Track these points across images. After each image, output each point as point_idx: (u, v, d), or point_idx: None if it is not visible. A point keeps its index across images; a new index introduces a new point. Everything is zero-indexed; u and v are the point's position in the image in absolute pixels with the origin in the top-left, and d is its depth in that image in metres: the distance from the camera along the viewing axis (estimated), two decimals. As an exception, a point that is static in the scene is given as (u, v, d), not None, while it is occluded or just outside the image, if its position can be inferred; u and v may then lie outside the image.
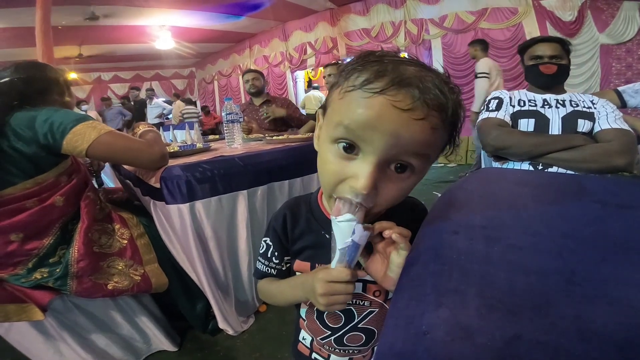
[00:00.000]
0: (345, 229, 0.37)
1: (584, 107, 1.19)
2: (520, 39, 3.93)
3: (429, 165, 0.39)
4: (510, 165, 1.23)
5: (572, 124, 1.16)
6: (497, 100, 1.30)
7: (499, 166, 1.28)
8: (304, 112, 6.46)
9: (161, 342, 1.21)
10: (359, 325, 0.51)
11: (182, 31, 6.05)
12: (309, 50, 6.27)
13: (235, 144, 1.55)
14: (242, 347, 1.23)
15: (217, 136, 2.29)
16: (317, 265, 0.49)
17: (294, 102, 5.36)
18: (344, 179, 0.37)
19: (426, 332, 0.22)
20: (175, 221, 1.11)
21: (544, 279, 0.26)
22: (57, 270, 0.95)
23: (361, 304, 0.50)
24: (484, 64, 3.18)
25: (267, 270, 0.54)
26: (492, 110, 1.28)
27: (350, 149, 0.36)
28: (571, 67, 1.30)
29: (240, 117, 1.65)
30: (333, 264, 0.39)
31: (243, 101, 6.25)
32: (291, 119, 2.53)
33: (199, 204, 1.12)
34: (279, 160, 1.34)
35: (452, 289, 0.26)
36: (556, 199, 0.49)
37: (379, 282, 0.42)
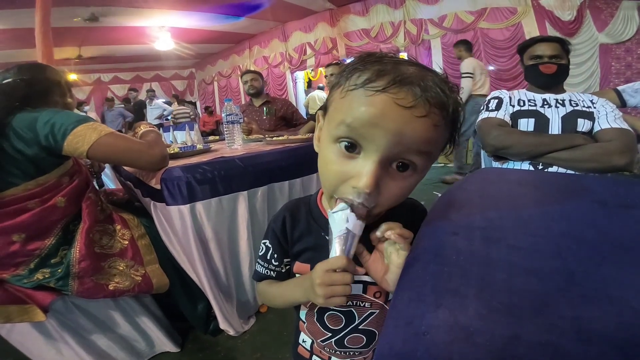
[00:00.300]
0: (339, 219, 0.38)
1: (584, 106, 1.19)
2: (519, 39, 3.93)
3: (431, 164, 0.39)
4: (510, 165, 1.23)
5: (572, 124, 1.16)
6: (496, 100, 1.30)
7: (499, 166, 1.28)
8: (303, 112, 6.48)
9: (163, 344, 1.22)
10: (360, 327, 0.51)
11: (181, 32, 6.06)
12: (309, 51, 6.27)
13: (235, 144, 1.55)
14: (243, 347, 1.23)
15: (217, 137, 2.29)
16: None
17: (294, 102, 5.37)
18: (346, 179, 0.37)
19: (426, 333, 0.22)
20: (176, 222, 1.11)
21: (543, 280, 0.26)
22: (59, 270, 0.95)
23: (362, 305, 0.50)
24: (467, 64, 3.23)
25: (267, 272, 0.53)
26: (492, 110, 1.28)
27: (352, 148, 0.36)
28: (570, 66, 1.30)
29: (240, 118, 1.65)
30: (330, 255, 0.39)
31: (243, 102, 6.26)
32: (291, 120, 2.54)
33: (199, 205, 1.12)
34: (279, 161, 1.34)
35: (451, 290, 0.26)
36: (556, 199, 0.49)
37: (379, 282, 0.42)
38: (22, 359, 1.02)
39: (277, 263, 0.53)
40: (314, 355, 0.57)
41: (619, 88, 1.50)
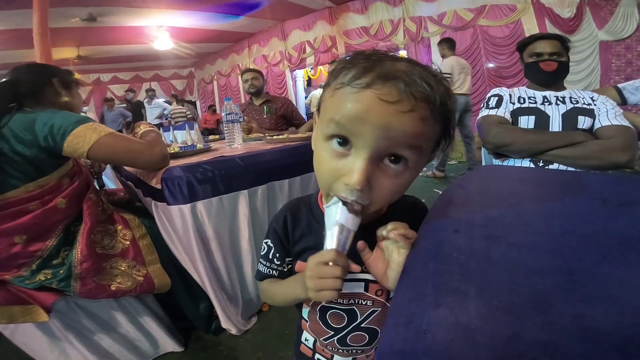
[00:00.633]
0: (333, 213, 0.38)
1: (584, 104, 1.19)
2: (519, 36, 3.92)
3: (424, 159, 0.39)
4: (510, 162, 1.23)
5: (573, 121, 1.16)
6: (496, 98, 1.30)
7: (500, 163, 1.28)
8: (303, 110, 6.48)
9: (166, 343, 1.22)
10: (362, 325, 0.51)
11: (180, 31, 6.05)
12: (308, 49, 6.26)
13: (235, 144, 1.55)
14: (245, 346, 1.23)
15: (217, 136, 2.29)
16: None
17: (294, 101, 5.36)
18: (339, 177, 0.38)
19: (426, 331, 0.22)
20: (177, 222, 1.11)
21: (544, 278, 0.26)
22: (61, 271, 0.96)
23: (363, 303, 0.50)
24: (446, 64, 3.29)
25: (269, 271, 0.54)
26: (492, 108, 1.28)
27: (344, 144, 0.37)
28: (570, 64, 1.29)
29: (240, 117, 1.65)
30: (324, 249, 0.39)
31: (243, 101, 6.25)
32: (290, 119, 2.53)
33: (200, 205, 1.13)
34: (280, 160, 1.34)
35: (452, 288, 0.26)
36: (557, 197, 0.49)
37: (379, 280, 0.42)
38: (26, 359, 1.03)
39: (279, 262, 0.53)
40: (316, 354, 0.57)
41: (619, 86, 1.50)
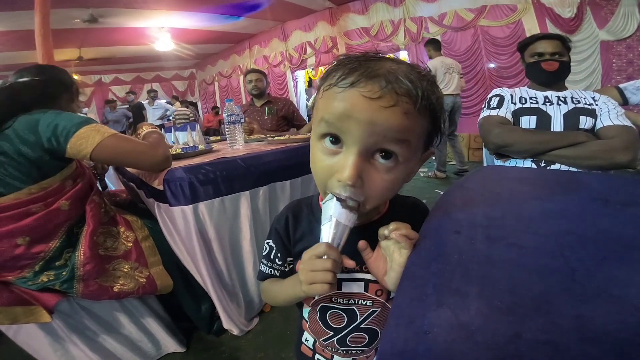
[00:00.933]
0: (327, 208, 0.39)
1: (586, 104, 1.19)
2: (519, 36, 3.91)
3: (415, 155, 0.40)
4: (512, 162, 1.23)
5: (574, 121, 1.16)
6: (498, 98, 1.30)
7: (501, 164, 1.27)
8: (304, 111, 6.49)
9: (169, 344, 1.22)
10: (362, 326, 0.51)
11: (181, 32, 6.06)
12: (309, 50, 6.26)
13: (237, 145, 1.56)
14: (246, 347, 1.23)
15: (219, 137, 2.30)
16: None
17: (295, 102, 5.37)
18: (332, 174, 0.39)
19: (427, 332, 0.22)
20: (179, 223, 1.11)
21: (545, 278, 0.26)
22: (64, 273, 0.96)
23: (363, 303, 0.50)
24: (430, 66, 3.32)
25: (271, 272, 0.54)
26: (494, 108, 1.27)
27: (336, 142, 0.39)
28: (572, 64, 1.29)
29: (242, 118, 1.65)
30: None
31: (244, 102, 6.26)
32: (291, 119, 2.54)
33: (202, 206, 1.13)
34: (281, 161, 1.34)
35: (453, 289, 0.26)
36: (558, 197, 0.49)
37: (380, 280, 0.42)
38: (29, 360, 1.03)
39: (280, 262, 0.53)
40: (316, 354, 0.57)
41: (621, 86, 1.50)
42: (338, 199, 0.39)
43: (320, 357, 0.57)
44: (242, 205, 1.23)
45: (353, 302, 0.50)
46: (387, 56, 0.40)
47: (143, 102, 6.50)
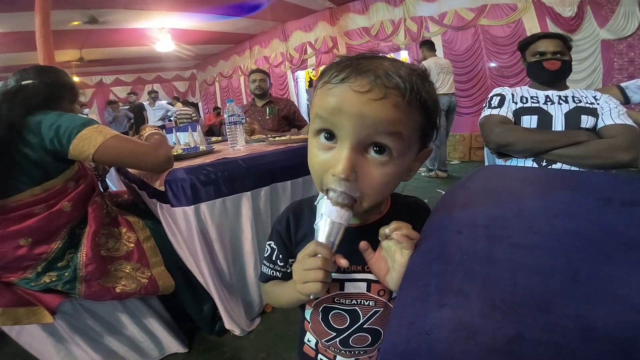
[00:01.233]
0: (319, 207, 0.40)
1: (587, 103, 1.19)
2: (520, 36, 3.91)
3: (408, 148, 0.40)
4: (513, 162, 1.23)
5: (575, 120, 1.16)
6: (499, 97, 1.30)
7: (503, 163, 1.27)
8: (305, 111, 6.48)
9: (171, 344, 1.23)
10: (365, 326, 0.51)
11: (181, 33, 6.07)
12: (309, 50, 6.26)
13: (238, 145, 1.56)
14: (248, 347, 1.24)
15: (220, 138, 2.30)
16: None
17: (296, 102, 5.37)
18: (327, 169, 0.40)
19: (429, 332, 0.22)
20: (181, 223, 1.12)
21: (547, 278, 0.26)
22: (66, 274, 0.96)
23: (366, 303, 0.50)
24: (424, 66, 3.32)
25: (273, 273, 0.54)
26: (495, 108, 1.27)
27: (330, 138, 0.40)
28: (572, 63, 1.29)
29: (243, 119, 1.65)
30: None
31: (245, 102, 6.26)
32: (292, 120, 2.54)
33: (203, 206, 1.13)
34: (282, 161, 1.34)
35: (455, 289, 0.26)
36: (560, 196, 0.49)
37: (382, 281, 0.42)
38: (32, 361, 1.04)
39: (282, 264, 0.53)
40: (319, 354, 0.57)
41: (622, 85, 1.49)
42: (329, 197, 0.39)
43: (322, 357, 0.57)
44: (243, 205, 1.23)
45: (355, 302, 0.50)
46: (387, 56, 0.41)
47: (144, 103, 6.50)
